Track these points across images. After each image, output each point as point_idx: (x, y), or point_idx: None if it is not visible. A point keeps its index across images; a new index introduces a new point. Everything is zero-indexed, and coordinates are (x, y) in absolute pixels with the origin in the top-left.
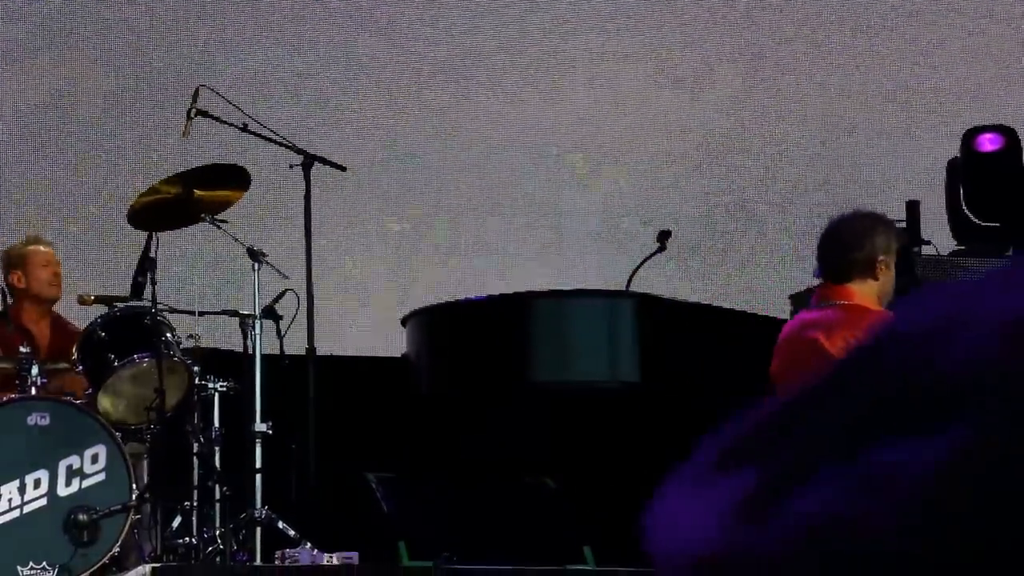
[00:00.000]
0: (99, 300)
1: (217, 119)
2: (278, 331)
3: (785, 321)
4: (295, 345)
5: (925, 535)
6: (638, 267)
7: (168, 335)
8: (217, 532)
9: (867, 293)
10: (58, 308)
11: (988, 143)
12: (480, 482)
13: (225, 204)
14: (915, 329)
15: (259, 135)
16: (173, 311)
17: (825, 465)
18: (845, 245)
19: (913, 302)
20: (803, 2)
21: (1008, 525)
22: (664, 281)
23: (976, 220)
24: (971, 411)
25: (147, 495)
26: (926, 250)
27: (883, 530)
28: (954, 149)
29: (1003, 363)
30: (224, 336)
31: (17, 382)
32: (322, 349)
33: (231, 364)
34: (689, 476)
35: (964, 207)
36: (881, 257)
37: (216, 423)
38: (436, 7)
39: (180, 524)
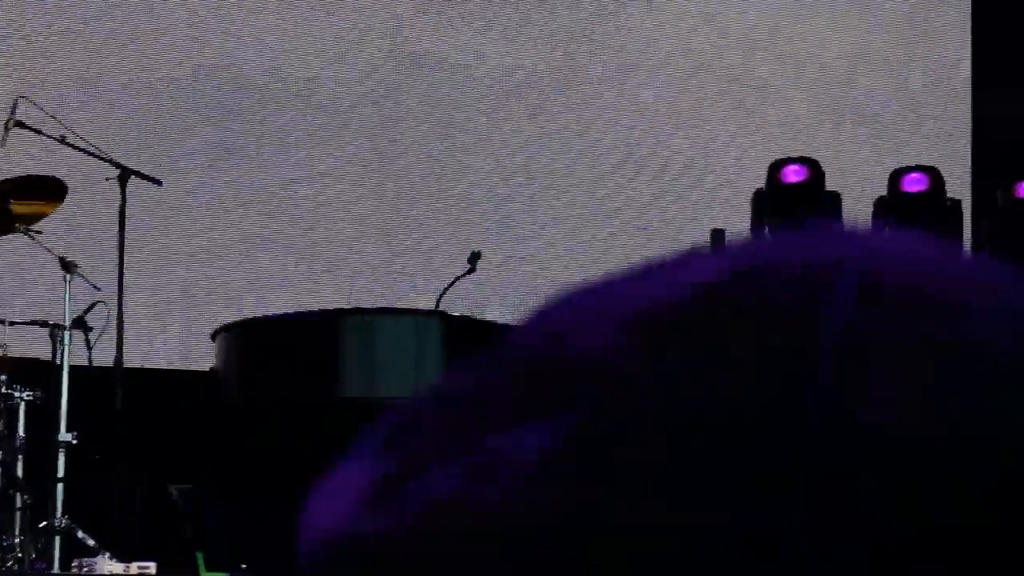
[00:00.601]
0: None
1: (35, 130)
2: (87, 342)
3: None
4: (104, 357)
5: (529, 519)
6: (447, 288)
7: None
8: (16, 540)
9: None
10: None
11: (793, 175)
12: (281, 494)
13: (40, 215)
14: (550, 321)
15: (76, 147)
16: None
17: (448, 452)
18: None
19: (560, 296)
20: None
21: (603, 512)
22: (473, 301)
23: None
24: (579, 401)
25: None
26: None
27: (491, 512)
28: (759, 179)
29: (615, 355)
30: (33, 346)
31: None
32: (130, 361)
33: (39, 374)
34: (343, 463)
35: None
36: None
37: (21, 432)
38: (262, 18)
39: None
